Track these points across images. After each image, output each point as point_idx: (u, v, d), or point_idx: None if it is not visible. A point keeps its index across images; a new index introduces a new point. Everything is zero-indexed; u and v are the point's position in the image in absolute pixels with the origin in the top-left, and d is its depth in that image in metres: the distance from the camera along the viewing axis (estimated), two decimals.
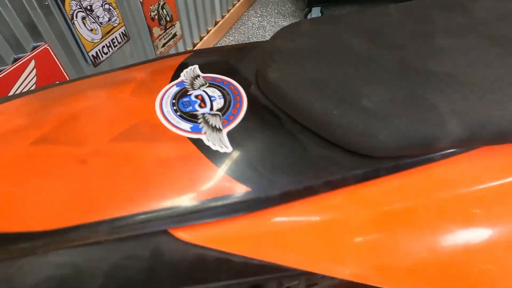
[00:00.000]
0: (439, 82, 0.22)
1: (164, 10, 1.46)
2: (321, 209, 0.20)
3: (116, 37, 1.24)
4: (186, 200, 0.16)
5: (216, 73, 0.21)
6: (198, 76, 0.21)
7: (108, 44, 1.22)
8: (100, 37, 1.18)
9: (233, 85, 0.21)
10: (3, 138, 0.17)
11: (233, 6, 1.99)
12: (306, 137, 0.19)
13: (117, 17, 1.23)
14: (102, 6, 1.16)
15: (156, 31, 1.44)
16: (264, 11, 2.17)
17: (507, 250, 0.23)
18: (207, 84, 0.20)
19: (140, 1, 1.31)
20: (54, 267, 0.15)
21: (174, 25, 1.54)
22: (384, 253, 0.21)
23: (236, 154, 0.17)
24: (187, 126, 0.18)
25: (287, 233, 0.19)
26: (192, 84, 0.21)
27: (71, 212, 0.15)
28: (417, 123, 0.20)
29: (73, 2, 1.06)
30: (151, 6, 1.38)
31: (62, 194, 0.15)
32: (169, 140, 0.17)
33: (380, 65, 0.22)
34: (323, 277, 0.22)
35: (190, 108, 0.19)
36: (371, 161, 0.20)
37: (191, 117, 0.19)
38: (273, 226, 0.19)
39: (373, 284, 0.21)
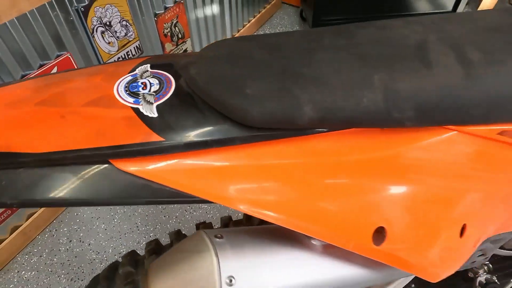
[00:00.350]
0: (306, 81, 0.31)
1: (176, 28, 1.60)
2: (217, 156, 0.29)
3: (130, 50, 1.39)
4: (124, 140, 0.26)
5: (159, 69, 0.32)
6: (147, 71, 0.32)
7: (123, 56, 1.36)
8: (116, 49, 1.33)
9: (168, 78, 0.31)
10: (13, 103, 0.27)
11: (243, 26, 2.13)
12: (209, 111, 0.29)
13: (133, 32, 1.38)
14: (120, 22, 1.31)
15: (168, 46, 1.59)
16: (273, 32, 2.31)
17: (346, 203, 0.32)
18: (151, 76, 0.31)
19: (154, 19, 1.46)
20: (37, 177, 0.26)
21: (185, 41, 1.68)
22: (257, 190, 0.30)
23: (158, 118, 0.28)
24: (131, 100, 0.29)
25: (190, 171, 0.29)
26: (141, 76, 0.31)
27: (52, 142, 0.25)
28: (280, 105, 0.29)
29: (95, 18, 1.21)
30: (165, 24, 1.52)
31: (48, 132, 0.26)
32: (118, 107, 0.28)
33: (268, 69, 0.31)
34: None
35: (136, 89, 0.29)
36: (251, 129, 0.30)
37: (135, 95, 0.29)
38: (180, 165, 0.29)
39: (251, 213, 0.30)
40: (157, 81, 0.30)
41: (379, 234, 0.34)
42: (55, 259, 1.28)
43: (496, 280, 0.75)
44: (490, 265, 0.76)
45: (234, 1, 1.96)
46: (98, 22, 1.23)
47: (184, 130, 0.27)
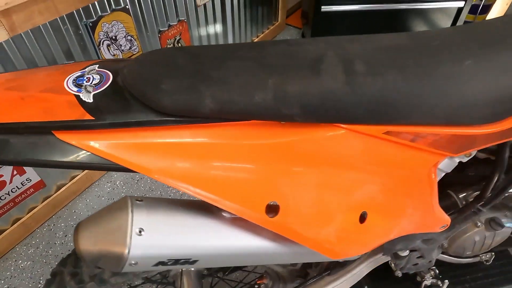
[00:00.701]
0: (211, 81, 0.40)
1: (179, 44, 1.73)
2: (137, 134, 0.38)
3: None
4: (64, 117, 0.35)
5: (103, 69, 0.41)
6: (94, 69, 0.41)
7: None
8: None
9: (108, 74, 0.40)
10: None
11: None
12: (134, 101, 0.38)
13: (137, 46, 1.51)
14: (125, 37, 1.44)
15: None
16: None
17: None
18: (95, 73, 0.40)
19: (158, 35, 1.59)
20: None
21: None
22: (168, 163, 0.38)
23: (93, 103, 0.37)
24: (75, 89, 0.38)
25: (114, 145, 0.38)
26: (88, 72, 0.40)
27: (11, 115, 0.35)
28: (186, 98, 0.38)
29: (101, 32, 1.34)
30: (168, 40, 1.65)
31: (9, 108, 0.35)
32: (64, 94, 0.37)
33: (184, 71, 0.40)
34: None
35: (81, 82, 0.38)
36: (164, 115, 0.38)
37: (79, 86, 0.38)
38: (107, 140, 0.37)
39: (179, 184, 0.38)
40: (99, 77, 0.39)
41: (273, 207, 0.42)
42: (50, 251, 1.38)
43: (441, 285, 0.79)
44: (437, 270, 0.80)
45: (237, 22, 2.09)
46: (105, 36, 1.36)
47: (111, 113, 0.36)
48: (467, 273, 0.87)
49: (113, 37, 1.40)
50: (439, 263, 0.85)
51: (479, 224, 0.71)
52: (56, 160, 0.36)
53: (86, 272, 0.63)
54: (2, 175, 1.24)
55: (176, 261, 0.43)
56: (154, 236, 0.41)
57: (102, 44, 1.36)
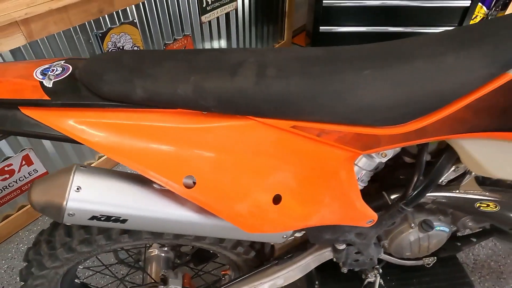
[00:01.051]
0: (145, 75, 0.50)
1: None
2: (83, 114, 0.49)
3: None
4: (28, 96, 0.47)
5: (67, 63, 0.53)
6: (60, 63, 0.52)
7: None
8: None
9: (69, 68, 0.51)
10: None
11: None
12: (83, 88, 0.49)
13: None
14: (131, 47, 1.60)
15: None
16: None
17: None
18: (60, 66, 0.52)
19: (163, 47, 1.74)
20: None
21: None
22: (106, 137, 0.49)
23: (51, 87, 0.48)
24: (41, 77, 0.49)
25: (65, 120, 0.48)
26: (55, 66, 0.52)
27: None
28: (121, 87, 0.49)
29: (110, 42, 1.50)
30: None
31: None
32: (32, 79, 0.48)
33: (125, 68, 0.51)
34: None
35: (46, 72, 0.50)
36: (105, 100, 0.49)
37: (44, 74, 0.50)
38: (60, 115, 0.48)
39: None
40: (61, 69, 0.50)
41: (191, 180, 0.51)
42: None
43: (383, 283, 0.85)
44: (380, 270, 0.86)
45: (242, 38, 2.23)
46: (113, 45, 1.52)
47: (64, 96, 0.47)
48: (414, 276, 0.91)
49: (121, 47, 1.55)
50: (387, 266, 0.90)
51: (413, 225, 0.77)
52: (20, 130, 0.47)
53: (58, 241, 0.73)
54: (12, 164, 1.38)
55: (108, 218, 0.53)
56: (89, 193, 0.51)
57: None
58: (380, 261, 0.89)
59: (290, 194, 0.57)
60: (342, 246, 0.78)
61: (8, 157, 1.36)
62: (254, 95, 0.50)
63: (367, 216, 0.68)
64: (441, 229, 0.78)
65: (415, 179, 0.68)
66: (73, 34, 1.37)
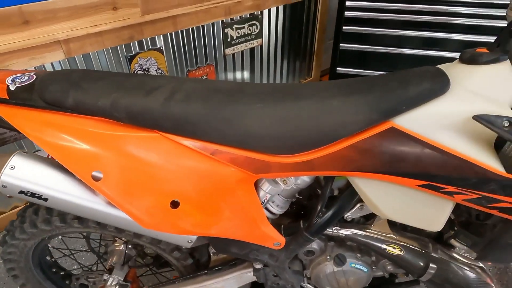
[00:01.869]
0: (79, 88, 0.65)
1: None
2: (32, 114, 0.65)
3: None
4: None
5: (34, 75, 0.69)
6: (30, 74, 0.69)
7: None
8: None
9: (33, 77, 0.68)
10: None
11: None
12: (34, 94, 0.65)
13: None
14: (156, 70, 1.82)
15: None
16: None
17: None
18: (27, 76, 0.68)
19: (186, 73, 1.95)
20: None
21: None
22: (46, 135, 0.63)
23: (13, 91, 0.64)
24: (10, 82, 0.66)
25: (18, 117, 0.64)
26: (24, 75, 0.69)
27: None
28: (55, 96, 0.63)
29: (137, 64, 1.74)
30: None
31: None
32: (3, 84, 0.65)
33: (68, 82, 0.66)
34: None
35: (16, 79, 0.66)
36: (47, 104, 0.64)
37: (13, 81, 0.66)
38: (16, 113, 0.64)
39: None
40: (27, 78, 0.67)
41: (99, 174, 0.63)
42: None
43: None
44: None
45: (266, 72, 2.39)
46: (139, 67, 1.75)
47: (19, 98, 0.63)
48: None
49: (146, 69, 1.79)
50: None
51: (328, 257, 0.81)
52: None
53: (28, 217, 0.89)
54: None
55: (33, 194, 0.67)
56: (20, 172, 0.65)
57: (136, 73, 1.75)
58: None
59: (187, 201, 0.67)
60: (259, 266, 0.83)
61: None
62: (158, 113, 0.62)
63: (273, 238, 0.75)
64: (357, 267, 0.80)
65: (318, 210, 0.73)
66: (105, 54, 1.62)
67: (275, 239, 0.75)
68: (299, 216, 0.85)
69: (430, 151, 0.59)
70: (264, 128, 0.62)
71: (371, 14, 1.86)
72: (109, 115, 0.63)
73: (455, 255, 0.75)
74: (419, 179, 0.61)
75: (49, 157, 0.68)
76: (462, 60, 0.63)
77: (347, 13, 1.89)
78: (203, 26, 1.88)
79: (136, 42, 1.69)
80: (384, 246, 0.75)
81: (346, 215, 0.76)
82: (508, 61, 0.62)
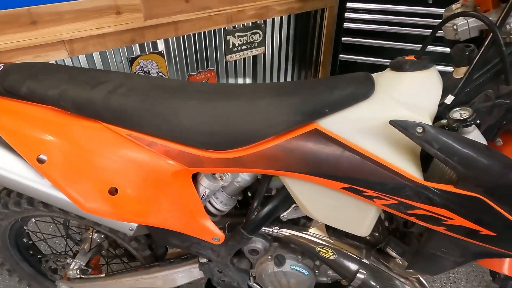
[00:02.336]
0: (35, 80, 0.71)
1: None
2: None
3: None
4: None
5: (2, 65, 0.76)
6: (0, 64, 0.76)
7: None
8: None
9: (0, 67, 0.75)
10: None
11: None
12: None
13: None
14: (156, 73, 1.90)
15: None
16: None
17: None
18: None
19: (186, 77, 2.02)
20: None
21: None
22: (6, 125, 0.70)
23: None
24: None
25: None
26: None
27: None
28: (14, 85, 0.70)
29: (138, 66, 1.82)
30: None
31: None
32: None
33: (27, 72, 0.72)
34: None
35: None
36: (6, 92, 0.71)
37: None
38: None
39: None
40: None
41: (43, 159, 0.68)
42: None
43: None
44: None
45: (269, 80, 2.42)
46: (140, 69, 1.84)
47: None
48: None
49: (147, 72, 1.87)
50: None
51: (269, 257, 0.82)
52: None
53: (2, 198, 0.96)
54: None
55: None
56: None
57: (136, 73, 1.84)
58: None
59: (125, 189, 0.71)
60: (203, 260, 0.85)
61: None
62: (100, 105, 0.67)
63: (212, 232, 0.77)
64: (297, 269, 0.80)
65: (253, 208, 0.75)
66: (107, 55, 1.72)
67: (214, 234, 0.77)
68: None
69: (351, 154, 0.60)
70: (196, 124, 0.66)
71: (371, 26, 1.86)
72: (57, 104, 0.69)
73: (391, 264, 0.74)
74: (341, 182, 0.62)
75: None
76: (391, 67, 0.64)
77: (346, 25, 1.89)
78: (204, 33, 1.95)
79: (137, 45, 1.77)
80: (318, 249, 0.75)
81: (282, 215, 0.77)
82: (434, 68, 0.62)
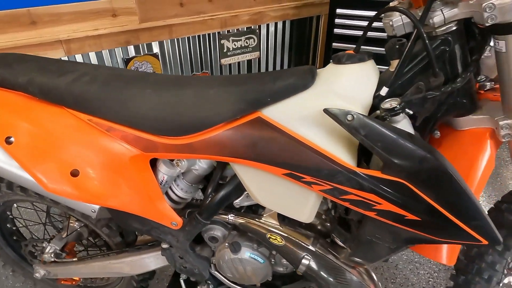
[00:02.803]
0: (9, 68, 0.77)
1: None
2: None
3: None
4: None
5: None
6: None
7: None
8: None
9: None
10: None
11: None
12: None
13: None
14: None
15: None
16: None
17: None
18: None
19: None
20: None
21: None
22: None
23: None
24: None
25: None
26: None
27: None
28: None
29: (133, 67, 1.89)
30: None
31: None
32: None
33: (6, 60, 0.78)
34: None
35: None
36: None
37: None
38: None
39: None
40: None
41: (11, 140, 0.73)
42: None
43: None
44: (211, 286, 0.93)
45: None
46: (135, 68, 1.91)
47: None
48: None
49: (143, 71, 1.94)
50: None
51: (227, 244, 0.84)
52: None
53: None
54: None
55: None
56: None
57: None
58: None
59: (86, 172, 0.75)
60: (165, 245, 0.89)
61: None
62: (63, 91, 0.72)
63: (170, 217, 0.81)
64: (252, 256, 0.83)
65: (207, 194, 0.78)
66: (103, 55, 1.80)
67: (172, 219, 0.81)
68: None
69: (290, 141, 0.64)
70: (150, 111, 0.70)
71: (361, 32, 1.90)
72: (26, 90, 0.74)
73: (339, 253, 0.76)
74: (283, 168, 0.65)
75: None
76: (332, 60, 0.67)
77: (336, 31, 1.93)
78: (199, 36, 2.02)
79: (132, 46, 1.85)
80: (268, 235, 0.78)
81: (234, 202, 0.80)
82: (372, 61, 0.65)
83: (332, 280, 0.74)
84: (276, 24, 2.26)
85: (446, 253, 0.67)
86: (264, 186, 0.71)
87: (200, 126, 0.68)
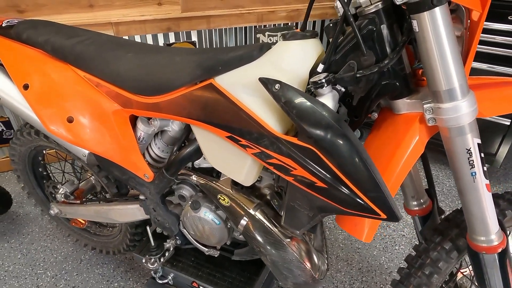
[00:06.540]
0: (35, 30, 0.94)
1: None
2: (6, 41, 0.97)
3: None
4: None
5: (20, 20, 1.02)
6: (18, 19, 1.02)
7: None
8: None
9: (17, 21, 1.01)
10: None
11: None
12: (11, 28, 0.97)
13: None
14: None
15: None
16: None
17: None
18: (17, 20, 1.01)
19: None
20: None
21: None
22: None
23: (3, 26, 0.98)
24: (5, 23, 1.00)
25: None
26: (16, 20, 1.02)
27: None
28: (19, 32, 0.94)
29: None
30: None
31: None
32: (1, 23, 1.00)
33: (30, 26, 0.97)
34: None
35: (8, 22, 1.01)
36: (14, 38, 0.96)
37: (7, 22, 1.00)
38: None
39: None
40: (15, 21, 1.00)
41: (27, 85, 0.91)
42: None
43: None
44: (178, 241, 1.03)
45: None
46: None
47: (1, 31, 0.97)
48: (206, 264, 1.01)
49: None
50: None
51: (190, 203, 0.93)
52: None
53: (23, 126, 1.24)
54: None
55: None
56: None
57: None
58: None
59: (79, 119, 0.90)
60: (142, 197, 1.01)
61: None
62: (67, 50, 0.88)
63: (142, 169, 0.92)
64: (209, 217, 0.91)
65: (172, 152, 0.88)
66: (146, 39, 2.01)
67: (145, 171, 0.92)
68: None
69: (232, 105, 0.71)
70: (129, 71, 0.82)
71: None
72: (42, 48, 0.92)
73: (279, 220, 0.81)
74: (225, 131, 0.73)
75: None
76: (282, 37, 0.73)
77: None
78: (235, 28, 2.14)
79: (173, 33, 2.03)
80: (218, 196, 0.85)
81: (195, 163, 0.89)
82: (315, 39, 0.70)
83: (265, 244, 0.79)
84: (314, 22, 2.29)
85: (366, 231, 0.68)
86: (212, 147, 0.78)
87: (166, 88, 0.79)
